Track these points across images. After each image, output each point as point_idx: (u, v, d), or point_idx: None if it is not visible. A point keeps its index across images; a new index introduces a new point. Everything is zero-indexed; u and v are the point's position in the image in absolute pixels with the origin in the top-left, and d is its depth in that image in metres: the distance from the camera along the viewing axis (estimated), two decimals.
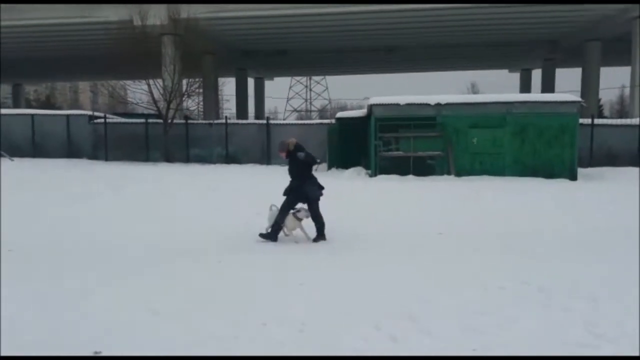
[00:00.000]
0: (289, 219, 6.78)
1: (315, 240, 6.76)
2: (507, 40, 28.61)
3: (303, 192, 6.84)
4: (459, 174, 13.80)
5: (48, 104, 54.44)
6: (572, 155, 13.62)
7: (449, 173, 13.92)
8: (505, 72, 40.17)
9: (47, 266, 5.38)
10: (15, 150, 19.72)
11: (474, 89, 54.07)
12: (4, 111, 22.52)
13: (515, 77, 38.94)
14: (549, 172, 13.47)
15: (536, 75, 35.86)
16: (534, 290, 4.42)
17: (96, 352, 3.17)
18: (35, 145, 20.36)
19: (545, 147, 13.71)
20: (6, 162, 18.04)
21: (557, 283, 4.61)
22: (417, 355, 3.17)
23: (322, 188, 6.97)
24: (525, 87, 36.76)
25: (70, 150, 20.25)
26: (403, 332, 3.49)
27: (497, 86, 41.07)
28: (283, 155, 7.05)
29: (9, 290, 4.37)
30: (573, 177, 13.43)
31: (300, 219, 6.78)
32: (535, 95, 18.16)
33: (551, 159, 13.68)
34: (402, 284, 4.64)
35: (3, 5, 24.05)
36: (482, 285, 4.58)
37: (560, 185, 12.05)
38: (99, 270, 5.20)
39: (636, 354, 3.19)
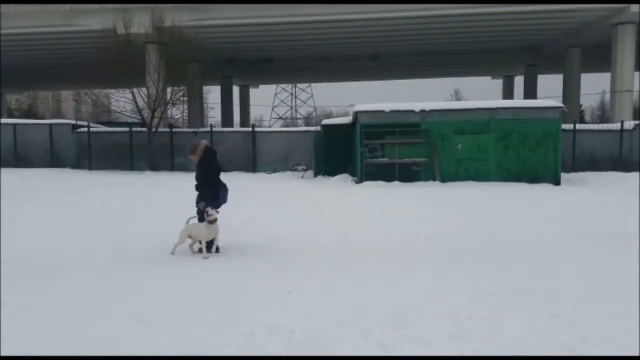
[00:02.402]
0: (206, 229, 6.28)
1: (201, 250, 6.36)
2: (490, 47, 29.08)
3: (202, 197, 6.48)
4: (444, 179, 13.91)
5: (30, 113, 53.67)
6: (555, 160, 13.81)
7: (434, 179, 14.03)
8: (488, 78, 40.75)
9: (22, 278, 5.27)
10: None
11: (457, 96, 54.73)
12: None
13: (498, 84, 39.51)
14: (533, 177, 13.65)
15: (518, 81, 36.47)
16: (522, 296, 4.44)
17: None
18: (17, 155, 20.06)
19: (529, 153, 13.90)
20: None
21: (545, 288, 4.65)
22: (417, 356, 3.17)
23: (216, 198, 6.51)
24: (508, 93, 37.31)
25: (53, 159, 19.98)
26: (393, 339, 3.48)
27: (480, 93, 41.60)
28: (192, 158, 6.64)
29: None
30: (557, 181, 13.62)
31: (211, 222, 6.25)
32: (519, 101, 18.44)
33: (535, 164, 13.86)
34: (390, 291, 4.63)
35: None
36: (470, 291, 4.59)
37: (544, 189, 12.21)
38: (84, 279, 5.10)
39: (636, 354, 3.23)
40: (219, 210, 6.49)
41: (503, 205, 10.03)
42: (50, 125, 20.87)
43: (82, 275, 5.40)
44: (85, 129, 20.39)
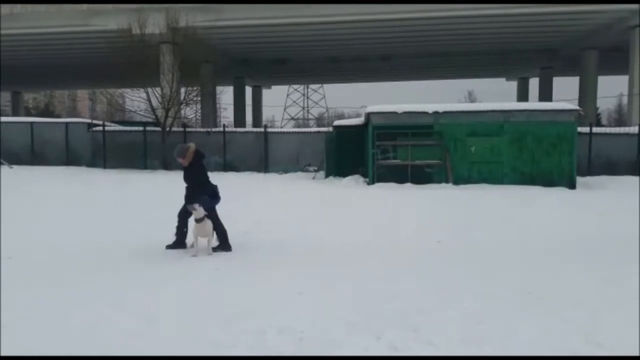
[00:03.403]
0: (195, 227, 6.36)
1: (214, 249, 6.48)
2: (505, 48, 28.81)
3: (193, 200, 6.48)
4: (456, 182, 13.81)
5: (47, 111, 54.48)
6: (570, 163, 13.64)
7: (446, 181, 13.93)
8: (502, 80, 40.40)
9: (44, 273, 5.34)
10: (14, 158, 19.69)
11: (471, 98, 54.34)
12: (3, 119, 22.51)
13: (512, 86, 39.17)
14: (547, 180, 13.48)
15: (534, 83, 36.11)
16: (534, 300, 4.40)
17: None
18: (34, 153, 20.34)
19: (544, 156, 13.74)
20: (5, 169, 18.00)
21: (558, 293, 4.60)
22: (416, 356, 3.15)
23: (217, 197, 6.63)
24: (523, 95, 36.95)
25: (69, 158, 20.23)
26: (403, 342, 3.47)
27: (494, 95, 41.36)
28: (182, 161, 6.67)
29: (9, 296, 4.33)
30: (572, 185, 13.44)
31: (198, 220, 6.27)
32: (533, 103, 18.22)
33: (550, 168, 13.70)
34: (401, 294, 4.61)
35: (3, 14, 24.12)
36: (482, 295, 4.56)
37: (559, 193, 12.05)
38: (95, 277, 5.16)
39: (636, 353, 3.18)
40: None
41: (517, 209, 9.93)
42: (67, 124, 21.13)
43: (93, 272, 5.45)
44: (101, 128, 20.62)
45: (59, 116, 48.42)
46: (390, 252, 6.55)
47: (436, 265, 5.77)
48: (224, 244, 6.61)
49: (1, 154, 19.59)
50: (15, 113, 42.51)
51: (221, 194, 6.80)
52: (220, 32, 24.56)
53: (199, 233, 6.41)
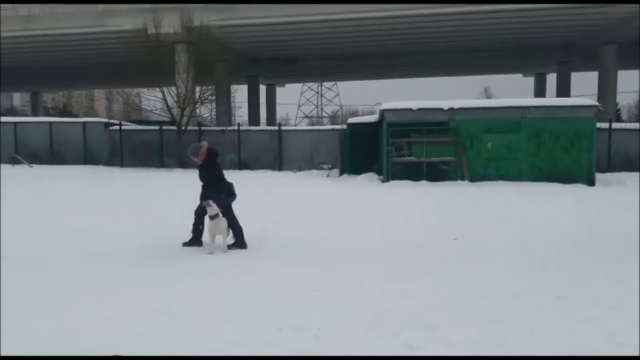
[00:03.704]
0: (209, 224, 6.46)
1: (230, 246, 6.54)
2: (521, 44, 28.40)
3: (209, 198, 6.62)
4: (473, 179, 13.66)
5: (65, 111, 55.30)
6: (589, 160, 13.40)
7: (462, 178, 13.79)
8: (519, 76, 39.86)
9: (63, 268, 5.41)
10: (34, 157, 20.05)
11: (487, 94, 53.76)
12: (23, 119, 22.92)
13: (529, 82, 38.62)
14: (565, 177, 13.27)
15: (551, 79, 35.56)
16: (552, 299, 4.33)
17: (116, 357, 3.19)
18: (53, 152, 20.67)
19: (562, 152, 13.53)
20: (25, 168, 18.32)
21: (577, 291, 4.52)
22: (416, 356, 3.12)
23: (232, 195, 6.70)
24: (540, 91, 36.41)
25: (87, 157, 20.51)
26: (419, 340, 3.44)
27: (511, 91, 40.80)
28: (195, 159, 6.77)
29: (25, 292, 4.41)
30: (591, 182, 13.21)
31: (212, 217, 6.36)
32: (551, 99, 17.98)
33: (568, 164, 13.48)
34: (417, 292, 4.58)
35: (21, 16, 24.55)
36: (499, 293, 4.50)
37: (578, 190, 11.86)
38: (110, 274, 5.22)
39: (636, 353, 3.13)
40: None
41: (534, 206, 9.80)
42: (84, 123, 21.43)
43: (110, 268, 5.51)
44: (117, 127, 20.86)
45: (76, 116, 49.12)
46: (406, 250, 6.52)
47: (452, 263, 5.72)
48: (239, 242, 6.65)
49: (21, 153, 19.94)
50: (34, 113, 43.26)
51: (236, 192, 6.83)
52: (234, 31, 24.66)
53: (214, 230, 6.46)
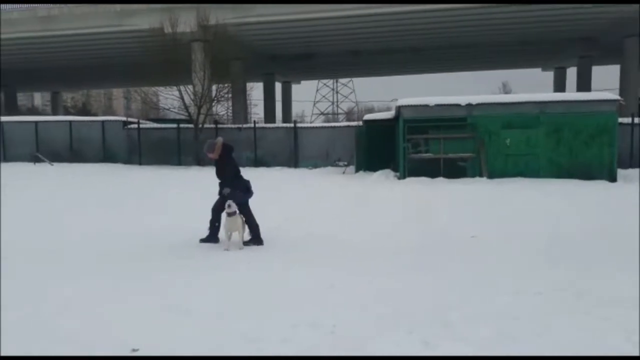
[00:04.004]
0: (226, 221, 6.52)
1: (246, 243, 6.56)
2: (540, 37, 27.92)
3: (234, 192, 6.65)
4: (491, 176, 13.50)
5: (84, 110, 56.19)
6: (611, 155, 13.13)
7: (480, 175, 13.63)
8: (538, 70, 39.23)
9: (81, 265, 5.50)
10: (55, 156, 20.40)
11: (505, 89, 53.06)
12: (44, 118, 23.34)
13: (549, 76, 37.98)
14: (586, 173, 13.02)
15: (571, 73, 34.90)
16: (571, 297, 4.26)
17: (133, 350, 3.22)
18: (72, 150, 21.00)
19: (582, 148, 13.28)
20: (46, 166, 18.66)
21: (596, 289, 4.43)
22: (415, 356, 3.09)
23: (249, 191, 6.73)
24: (560, 86, 35.77)
25: (106, 155, 20.78)
26: (435, 337, 3.42)
27: (529, 86, 40.19)
28: (211, 156, 6.82)
29: (49, 285, 4.49)
30: (612, 178, 12.94)
31: (229, 214, 6.42)
32: (571, 94, 17.64)
33: (589, 160, 13.23)
34: (432, 289, 4.54)
35: (41, 16, 24.98)
36: (517, 290, 4.44)
37: (599, 187, 11.64)
38: (128, 270, 5.28)
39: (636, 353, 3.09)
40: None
41: (554, 203, 9.63)
42: (103, 122, 21.72)
43: (128, 264, 5.58)
44: (136, 126, 21.10)
45: (95, 115, 49.87)
46: (423, 246, 6.47)
47: (470, 260, 5.66)
48: (255, 238, 6.67)
49: (42, 152, 20.32)
50: (54, 112, 44.07)
51: (253, 189, 6.86)
52: (249, 29, 24.76)
53: (231, 227, 6.49)
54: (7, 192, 11.09)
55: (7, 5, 25.42)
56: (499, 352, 3.18)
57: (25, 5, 25.34)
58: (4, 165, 19.42)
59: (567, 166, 13.31)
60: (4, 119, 22.83)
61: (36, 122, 21.79)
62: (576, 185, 11.76)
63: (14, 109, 39.40)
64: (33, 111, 55.78)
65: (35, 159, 19.86)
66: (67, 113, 48.59)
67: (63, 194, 11.59)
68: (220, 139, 6.90)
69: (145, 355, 3.06)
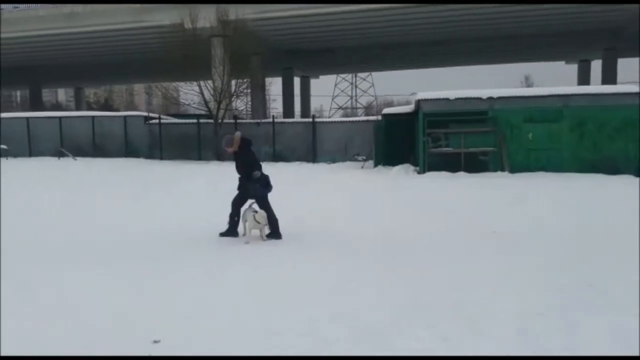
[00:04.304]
0: (249, 220, 6.58)
1: (267, 237, 6.60)
2: (564, 29, 27.31)
3: (246, 189, 6.73)
4: (513, 170, 13.31)
5: (106, 105, 57.09)
6: (637, 149, 12.82)
7: (502, 169, 13.45)
8: (561, 64, 38.42)
9: (106, 259, 5.60)
10: (78, 150, 20.79)
11: (527, 82, 52.13)
12: (68, 113, 23.79)
13: (572, 69, 37.19)
14: (611, 167, 12.73)
15: (596, 66, 34.10)
16: (598, 293, 4.17)
17: (155, 342, 3.28)
18: (95, 145, 21.37)
19: (607, 142, 12.99)
20: (69, 161, 19.03)
21: (624, 286, 4.34)
22: (415, 356, 3.07)
23: (269, 185, 6.74)
24: (584, 79, 35.00)
25: (128, 149, 21.10)
26: (457, 333, 3.39)
27: (552, 79, 39.42)
28: (229, 150, 6.84)
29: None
30: (638, 173, 12.64)
31: (258, 222, 6.51)
32: (595, 87, 17.24)
33: (614, 154, 12.93)
34: (453, 284, 4.51)
35: (65, 14, 25.41)
36: (541, 286, 4.37)
37: (625, 181, 11.36)
38: (149, 263, 5.36)
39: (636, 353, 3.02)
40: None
41: (578, 197, 9.45)
42: (125, 117, 22.05)
43: (148, 259, 5.65)
44: (157, 121, 21.36)
45: (117, 110, 50.62)
46: (444, 242, 6.41)
47: (492, 256, 5.59)
48: (275, 232, 6.70)
49: (66, 147, 20.72)
50: (77, 107, 44.88)
51: (272, 183, 6.88)
52: (268, 24, 24.81)
53: (253, 225, 6.55)
54: (33, 186, 11.35)
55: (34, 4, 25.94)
56: (523, 348, 3.14)
57: (49, 5, 25.82)
58: (31, 160, 19.89)
59: (592, 160, 13.04)
60: (29, 114, 23.35)
61: (60, 118, 22.21)
62: (601, 180, 11.52)
63: (39, 105, 40.27)
64: (57, 107, 56.89)
65: (60, 154, 20.27)
66: (90, 108, 49.46)
67: (87, 188, 11.81)
68: (238, 133, 6.92)
69: (146, 355, 3.09)
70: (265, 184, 6.73)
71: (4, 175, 12.63)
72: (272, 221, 6.73)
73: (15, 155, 20.53)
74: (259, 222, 6.53)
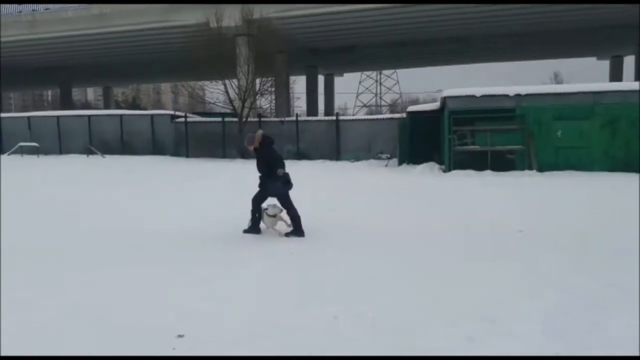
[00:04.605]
0: (265, 218, 6.71)
1: (288, 234, 6.61)
2: (595, 24, 26.53)
3: (266, 187, 6.72)
4: (541, 169, 13.03)
5: (134, 104, 58.20)
6: None
7: (530, 168, 13.18)
8: (592, 59, 37.39)
9: (130, 254, 5.70)
10: (106, 148, 21.27)
11: (557, 79, 50.92)
12: (96, 112, 24.34)
13: (604, 65, 36.15)
14: None
15: (629, 62, 33.07)
16: (625, 294, 4.04)
17: (179, 336, 3.32)
18: (123, 143, 21.83)
19: None
20: (98, 158, 19.48)
21: None
22: (415, 356, 3.01)
23: (289, 183, 6.73)
24: (616, 75, 33.97)
25: (155, 147, 21.47)
26: (480, 332, 3.33)
27: (583, 76, 38.34)
28: (250, 148, 6.84)
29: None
30: None
31: (271, 215, 6.63)
32: (628, 83, 16.73)
33: None
34: (479, 284, 4.43)
35: (94, 14, 25.97)
36: (566, 286, 4.27)
37: None
38: (173, 259, 5.43)
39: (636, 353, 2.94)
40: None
41: (609, 197, 9.18)
42: (152, 115, 22.46)
43: (173, 254, 5.73)
44: (183, 119, 21.67)
45: (145, 108, 51.58)
46: (468, 241, 6.31)
47: (517, 255, 5.48)
48: (297, 230, 6.71)
49: (95, 144, 21.21)
50: (106, 106, 45.92)
51: (294, 181, 6.88)
52: (292, 22, 24.86)
53: (271, 223, 6.63)
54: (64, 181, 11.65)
55: (64, 4, 26.63)
56: (547, 348, 3.07)
57: (82, 5, 26.45)
58: (62, 157, 20.43)
59: (623, 159, 12.66)
60: (60, 113, 23.98)
61: (89, 116, 22.77)
62: (632, 180, 11.16)
63: (69, 104, 41.35)
64: (86, 105, 58.30)
65: (88, 152, 20.76)
66: (118, 107, 50.50)
67: (118, 184, 12.07)
68: (260, 132, 6.95)
69: (145, 355, 3.11)
70: (285, 182, 6.73)
71: (45, 171, 13.01)
72: (294, 219, 6.74)
73: (47, 152, 21.13)
74: (271, 216, 6.61)
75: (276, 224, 6.72)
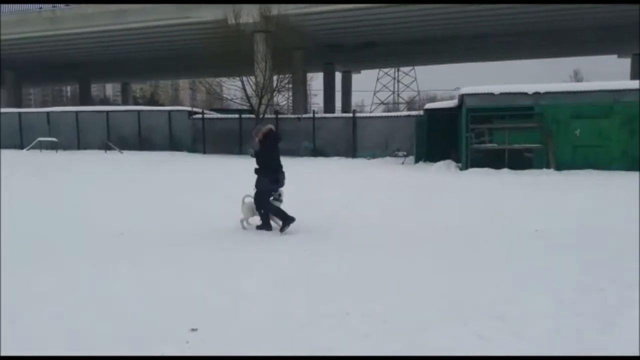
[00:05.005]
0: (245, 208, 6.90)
1: (259, 227, 6.82)
2: (616, 21, 25.97)
3: (261, 182, 6.85)
4: (559, 167, 12.87)
5: (152, 100, 58.87)
6: None
7: (548, 167, 13.03)
8: (613, 57, 36.62)
9: (144, 250, 5.80)
10: (124, 143, 21.56)
11: (576, 77, 50.05)
12: (115, 108, 24.68)
13: (625, 63, 35.38)
14: None
15: None
16: (636, 293, 3.99)
17: (192, 330, 3.38)
18: (141, 138, 22.10)
19: None
20: (116, 154, 19.76)
21: None
22: (415, 356, 3.01)
23: (278, 182, 6.83)
24: (638, 73, 33.21)
25: (172, 143, 21.70)
26: (492, 331, 3.32)
27: (603, 74, 37.61)
28: (256, 140, 6.89)
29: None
30: None
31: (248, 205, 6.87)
32: None
33: None
34: (491, 282, 4.41)
35: (113, 11, 26.30)
36: (579, 286, 4.23)
37: None
38: (188, 254, 5.51)
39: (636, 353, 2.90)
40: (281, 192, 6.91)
41: (627, 197, 9.03)
42: (169, 112, 22.68)
43: (186, 250, 5.81)
44: (200, 116, 21.85)
45: (162, 105, 52.13)
46: (483, 239, 6.28)
47: (532, 254, 5.44)
48: (265, 224, 6.86)
49: (113, 140, 21.51)
50: (124, 102, 46.53)
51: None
52: (310, 19, 24.83)
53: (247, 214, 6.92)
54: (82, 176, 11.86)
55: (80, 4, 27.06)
56: (559, 347, 3.06)
57: (95, 5, 26.82)
58: (81, 152, 20.78)
59: None
60: (78, 108, 24.38)
61: (107, 112, 23.08)
62: None
63: (88, 100, 41.99)
64: (105, 101, 59.14)
65: (106, 147, 21.07)
66: (136, 103, 51.15)
67: (137, 180, 12.25)
68: (267, 126, 7.01)
69: (146, 355, 3.16)
70: (274, 181, 6.79)
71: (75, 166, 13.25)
72: (262, 216, 6.85)
73: (65, 147, 21.49)
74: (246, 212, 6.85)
75: (251, 216, 6.91)
